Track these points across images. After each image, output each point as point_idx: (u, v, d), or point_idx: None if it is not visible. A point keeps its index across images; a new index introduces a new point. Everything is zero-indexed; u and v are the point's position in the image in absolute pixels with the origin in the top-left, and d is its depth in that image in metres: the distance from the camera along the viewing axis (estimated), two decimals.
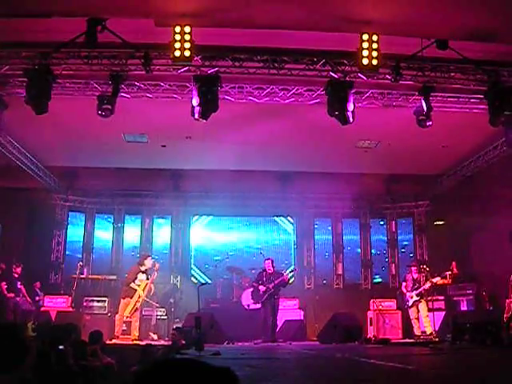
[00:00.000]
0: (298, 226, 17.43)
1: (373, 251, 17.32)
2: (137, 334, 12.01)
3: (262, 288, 12.18)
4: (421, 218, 17.16)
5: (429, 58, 9.42)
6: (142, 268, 12.29)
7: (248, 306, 13.68)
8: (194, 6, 8.19)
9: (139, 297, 12.00)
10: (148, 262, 12.40)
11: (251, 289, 12.93)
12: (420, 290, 12.51)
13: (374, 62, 8.86)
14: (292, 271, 12.51)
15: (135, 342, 11.61)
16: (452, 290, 14.16)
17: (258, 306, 12.51)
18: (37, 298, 13.85)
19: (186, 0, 8.16)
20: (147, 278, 12.20)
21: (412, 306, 12.66)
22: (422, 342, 11.53)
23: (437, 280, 12.41)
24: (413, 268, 13.09)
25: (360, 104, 10.51)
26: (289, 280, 12.34)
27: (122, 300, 12.11)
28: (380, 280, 16.95)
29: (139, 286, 12.03)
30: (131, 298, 11.96)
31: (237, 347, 10.90)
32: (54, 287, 15.07)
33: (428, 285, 12.41)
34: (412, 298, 12.63)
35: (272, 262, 12.64)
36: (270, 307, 12.10)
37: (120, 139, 13.62)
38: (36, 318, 12.62)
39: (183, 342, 9.62)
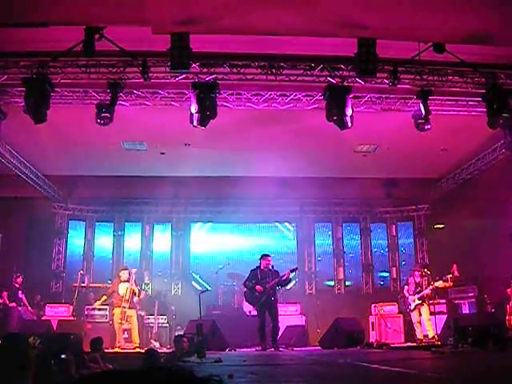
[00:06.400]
0: (299, 232, 17.44)
1: (373, 255, 17.32)
2: (137, 341, 12.06)
3: (258, 288, 11.28)
4: (421, 222, 17.17)
5: (426, 62, 9.45)
6: (122, 279, 12.56)
7: (250, 312, 13.61)
8: (191, 13, 8.20)
9: (125, 301, 12.22)
10: (123, 274, 12.63)
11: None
12: (422, 294, 12.49)
13: (372, 66, 8.88)
14: (293, 270, 11.86)
15: (137, 349, 11.64)
16: (453, 293, 14.13)
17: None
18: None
19: (183, 7, 8.17)
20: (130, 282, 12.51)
21: (414, 309, 12.63)
22: (424, 345, 11.50)
23: (439, 284, 12.39)
24: (416, 272, 13.06)
25: (358, 108, 10.53)
26: (290, 279, 11.85)
27: (113, 311, 12.49)
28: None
29: (124, 293, 12.32)
30: (119, 306, 12.22)
31: (239, 354, 10.84)
32: (55, 296, 15.05)
33: (429, 289, 12.39)
34: (414, 301, 12.60)
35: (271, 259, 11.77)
36: (268, 311, 11.37)
37: (119, 147, 13.65)
38: (37, 328, 12.55)
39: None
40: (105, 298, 12.63)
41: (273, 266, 11.73)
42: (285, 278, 11.51)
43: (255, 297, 11.47)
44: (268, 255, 11.95)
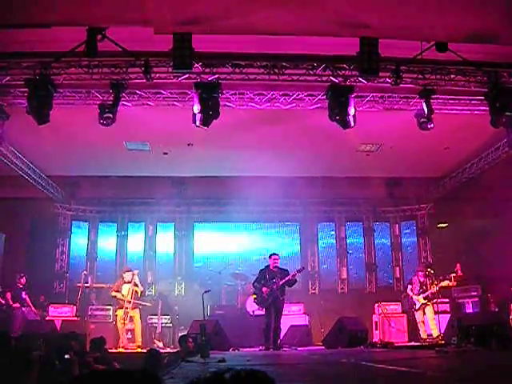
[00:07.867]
0: (302, 231, 17.42)
1: (377, 254, 17.30)
2: (140, 340, 12.11)
3: (265, 290, 11.34)
4: (424, 221, 17.14)
5: (429, 61, 9.43)
6: (125, 280, 12.76)
7: (253, 312, 13.61)
8: (193, 13, 8.20)
9: (128, 302, 12.39)
10: (127, 276, 12.83)
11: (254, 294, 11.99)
12: (427, 293, 12.48)
13: (374, 65, 8.86)
14: (299, 270, 11.85)
15: (138, 349, 11.69)
16: (457, 293, 14.12)
17: (263, 311, 12.19)
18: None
19: (185, 7, 8.17)
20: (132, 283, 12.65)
21: (419, 309, 12.63)
22: (428, 344, 11.50)
23: (444, 284, 12.39)
24: (420, 272, 13.04)
25: (361, 108, 10.51)
26: (296, 279, 11.81)
27: (116, 312, 12.68)
28: None
29: (125, 293, 12.54)
30: (122, 307, 12.38)
31: (242, 354, 10.83)
32: (58, 296, 15.07)
33: (435, 288, 12.38)
34: (419, 301, 12.59)
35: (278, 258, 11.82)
36: (275, 311, 11.39)
37: (122, 147, 13.66)
38: (41, 328, 12.56)
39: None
40: (114, 293, 12.71)
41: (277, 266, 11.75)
42: (291, 278, 11.53)
43: (263, 298, 11.50)
44: (275, 254, 11.96)
